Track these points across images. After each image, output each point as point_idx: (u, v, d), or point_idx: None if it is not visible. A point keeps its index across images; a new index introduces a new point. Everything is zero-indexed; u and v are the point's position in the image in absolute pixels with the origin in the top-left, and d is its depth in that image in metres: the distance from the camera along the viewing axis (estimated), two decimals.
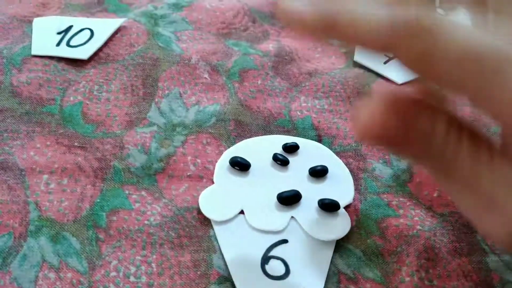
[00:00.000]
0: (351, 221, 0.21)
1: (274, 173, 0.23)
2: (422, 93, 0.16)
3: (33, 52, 0.27)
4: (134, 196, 0.22)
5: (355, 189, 0.23)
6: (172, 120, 0.25)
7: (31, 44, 0.28)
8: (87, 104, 0.25)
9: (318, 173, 0.23)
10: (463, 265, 0.20)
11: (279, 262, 0.20)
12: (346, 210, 0.22)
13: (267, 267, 0.20)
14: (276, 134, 0.25)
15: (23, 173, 0.22)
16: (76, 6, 0.32)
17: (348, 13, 0.13)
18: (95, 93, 0.26)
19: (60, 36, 0.29)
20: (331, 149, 0.24)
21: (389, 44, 0.13)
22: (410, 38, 0.13)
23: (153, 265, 0.20)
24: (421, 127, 0.13)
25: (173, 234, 0.21)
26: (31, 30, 0.29)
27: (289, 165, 0.23)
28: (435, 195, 0.23)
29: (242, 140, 0.24)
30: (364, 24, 0.13)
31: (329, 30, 0.14)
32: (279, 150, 0.24)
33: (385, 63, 0.30)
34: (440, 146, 0.13)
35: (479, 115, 0.27)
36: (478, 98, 0.12)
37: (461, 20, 0.13)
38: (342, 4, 0.14)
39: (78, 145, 0.23)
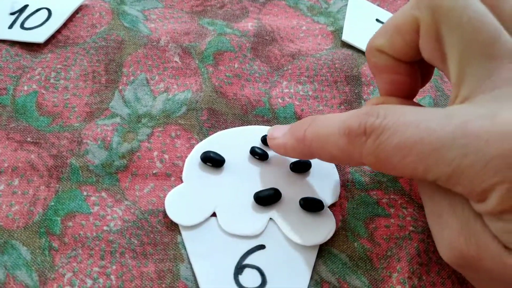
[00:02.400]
0: (337, 222, 0.19)
1: (252, 169, 0.21)
2: None
3: None
4: (93, 198, 0.19)
5: (341, 186, 0.20)
6: (137, 110, 0.22)
7: None
8: (43, 93, 0.23)
9: (300, 168, 0.20)
10: None
11: (254, 271, 0.18)
12: (331, 210, 0.20)
13: (240, 277, 0.17)
14: (255, 124, 0.22)
15: None
16: None
17: (315, 135, 0.17)
18: (51, 81, 0.23)
19: (13, 17, 0.26)
20: None
21: (350, 153, 0.15)
22: (360, 144, 0.15)
23: (112, 277, 0.17)
24: None
25: (135, 242, 0.18)
26: None
27: (268, 160, 0.21)
28: None
29: (216, 131, 0.22)
30: (329, 147, 0.16)
31: (308, 156, 0.18)
32: (257, 143, 0.21)
33: None
34: None
35: None
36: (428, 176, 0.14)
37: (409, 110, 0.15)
38: (311, 126, 0.17)
39: (31, 140, 0.21)
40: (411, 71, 0.18)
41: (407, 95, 0.19)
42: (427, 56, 0.16)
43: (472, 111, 0.13)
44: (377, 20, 0.28)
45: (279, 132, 0.19)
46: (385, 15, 0.29)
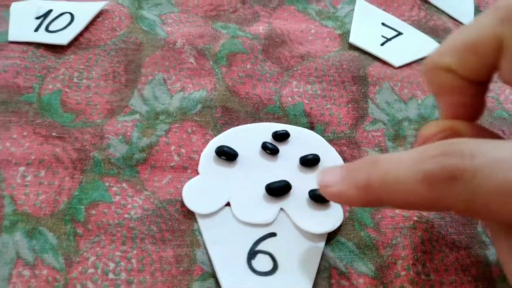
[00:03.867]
0: (344, 212, 0.20)
1: (263, 163, 0.22)
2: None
3: (10, 38, 0.26)
4: (114, 189, 0.21)
5: None
6: (155, 107, 0.24)
7: (8, 30, 0.26)
8: (67, 92, 0.24)
9: (310, 162, 0.22)
10: (462, 258, 0.19)
11: (266, 256, 0.19)
12: None
13: (253, 262, 0.18)
14: (266, 121, 0.24)
15: None
16: None
17: (383, 182, 0.14)
18: (75, 80, 0.25)
19: (39, 21, 0.27)
20: (323, 136, 0.23)
21: (434, 201, 0.13)
22: (447, 191, 0.13)
23: (133, 261, 0.19)
24: None
25: (154, 228, 0.19)
26: (9, 15, 0.28)
27: (278, 154, 0.22)
28: None
29: (230, 128, 0.23)
30: (404, 195, 0.13)
31: (376, 205, 0.15)
32: (268, 138, 0.23)
33: (382, 44, 0.28)
34: None
35: None
36: None
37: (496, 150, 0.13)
38: (375, 171, 0.14)
39: (56, 135, 0.22)
40: (479, 91, 0.16)
41: (471, 117, 0.17)
42: (508, 79, 0.15)
43: None
44: (382, 24, 0.30)
45: (332, 178, 0.16)
46: (390, 19, 0.30)
